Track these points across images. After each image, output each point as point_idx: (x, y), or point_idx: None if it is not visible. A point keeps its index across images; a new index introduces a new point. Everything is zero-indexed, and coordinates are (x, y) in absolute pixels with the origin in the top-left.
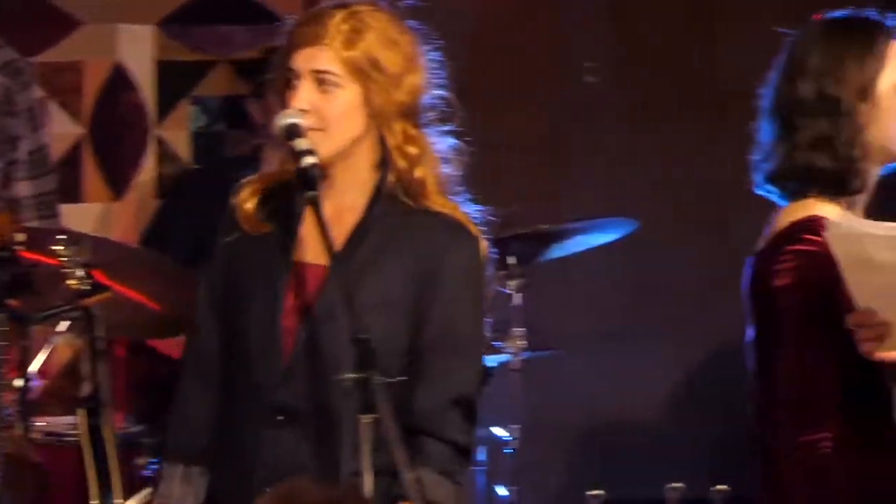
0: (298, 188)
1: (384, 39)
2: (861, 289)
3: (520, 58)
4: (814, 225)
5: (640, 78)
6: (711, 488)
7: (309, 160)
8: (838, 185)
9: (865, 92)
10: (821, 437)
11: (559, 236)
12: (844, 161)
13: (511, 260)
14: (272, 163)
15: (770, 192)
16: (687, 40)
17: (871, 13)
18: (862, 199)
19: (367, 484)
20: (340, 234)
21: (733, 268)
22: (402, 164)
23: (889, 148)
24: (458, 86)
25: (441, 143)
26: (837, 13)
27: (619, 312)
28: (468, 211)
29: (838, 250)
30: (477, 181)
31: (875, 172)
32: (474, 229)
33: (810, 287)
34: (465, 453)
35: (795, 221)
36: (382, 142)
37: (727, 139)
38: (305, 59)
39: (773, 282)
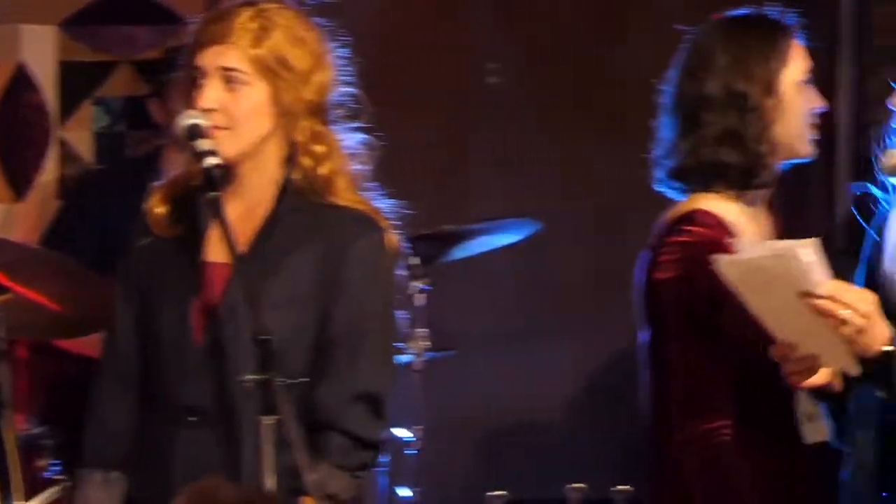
0: (202, 187)
1: (291, 37)
2: (764, 311)
3: (423, 58)
4: (695, 217)
5: (543, 78)
6: (613, 488)
7: (211, 161)
8: (745, 180)
9: (770, 88)
10: (717, 426)
11: (462, 237)
12: (752, 156)
13: (414, 260)
14: (174, 163)
15: (671, 189)
16: (589, 41)
17: (772, 12)
18: (764, 195)
19: (269, 484)
20: (248, 231)
21: (632, 267)
22: (307, 161)
23: (791, 144)
24: (363, 85)
25: (349, 139)
26: (739, 12)
27: (521, 313)
28: (379, 206)
29: (731, 279)
30: (380, 181)
31: (778, 168)
32: (383, 222)
33: (691, 278)
34: (369, 447)
35: (679, 215)
36: (290, 139)
37: (628, 139)
38: (212, 57)
39: (656, 274)
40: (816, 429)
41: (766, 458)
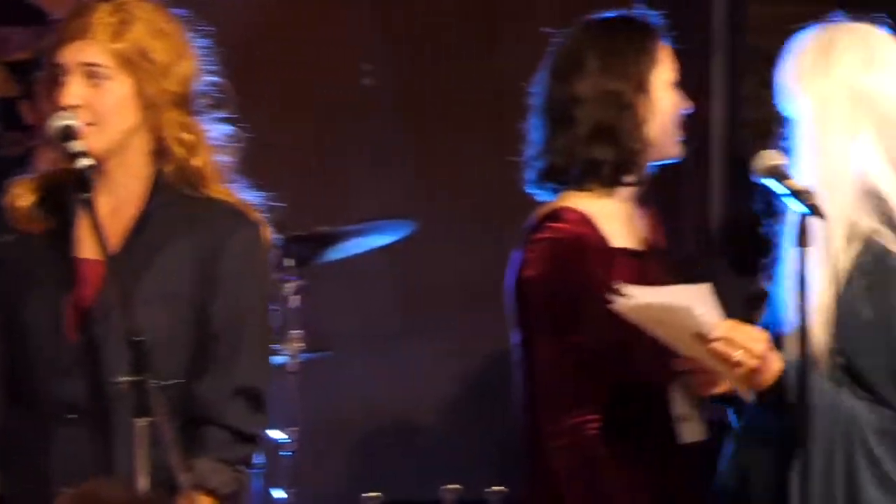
0: (74, 188)
1: (152, 30)
2: (670, 338)
3: (298, 56)
4: (560, 214)
5: (418, 79)
6: (487, 489)
7: (83, 162)
8: (617, 177)
9: (642, 87)
10: (587, 419)
11: (337, 238)
12: (625, 153)
13: (289, 262)
14: (46, 162)
15: (542, 190)
16: (464, 42)
17: (640, 13)
18: (634, 193)
19: (143, 485)
20: (120, 228)
21: (506, 267)
22: (179, 152)
23: (661, 144)
24: (235, 82)
25: (215, 130)
26: (607, 14)
27: (395, 314)
28: (248, 198)
29: (633, 318)
30: (256, 182)
31: (649, 166)
32: (256, 216)
33: (556, 275)
34: (249, 441)
35: (545, 213)
36: (157, 132)
37: (504, 140)
38: (73, 53)
39: (523, 273)
40: (692, 429)
41: (635, 452)
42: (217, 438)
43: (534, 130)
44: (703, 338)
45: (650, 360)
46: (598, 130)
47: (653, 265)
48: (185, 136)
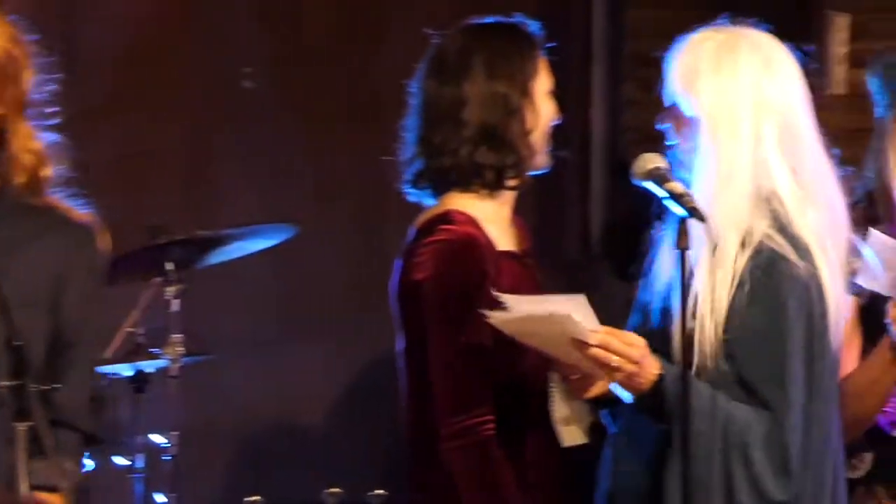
0: None
1: (7, 36)
2: (547, 347)
3: (178, 61)
4: (449, 216)
5: (299, 82)
6: (369, 493)
7: None
8: (500, 180)
9: (527, 93)
10: (483, 420)
11: (217, 242)
12: (511, 157)
13: (169, 266)
14: None
15: (419, 191)
16: (345, 43)
17: (520, 21)
18: (511, 197)
19: (24, 489)
20: None
21: (389, 269)
22: (27, 160)
23: (538, 152)
24: (109, 85)
25: (48, 140)
26: (491, 19)
27: (277, 317)
28: (83, 208)
29: (505, 330)
30: (137, 187)
31: (531, 171)
32: (96, 224)
33: (448, 277)
34: (92, 441)
35: (433, 216)
36: (7, 140)
37: (385, 142)
38: None
39: (413, 276)
40: (572, 433)
41: (525, 456)
42: (64, 439)
43: (411, 131)
44: (581, 345)
45: (539, 360)
46: (484, 132)
47: (533, 268)
48: (32, 144)
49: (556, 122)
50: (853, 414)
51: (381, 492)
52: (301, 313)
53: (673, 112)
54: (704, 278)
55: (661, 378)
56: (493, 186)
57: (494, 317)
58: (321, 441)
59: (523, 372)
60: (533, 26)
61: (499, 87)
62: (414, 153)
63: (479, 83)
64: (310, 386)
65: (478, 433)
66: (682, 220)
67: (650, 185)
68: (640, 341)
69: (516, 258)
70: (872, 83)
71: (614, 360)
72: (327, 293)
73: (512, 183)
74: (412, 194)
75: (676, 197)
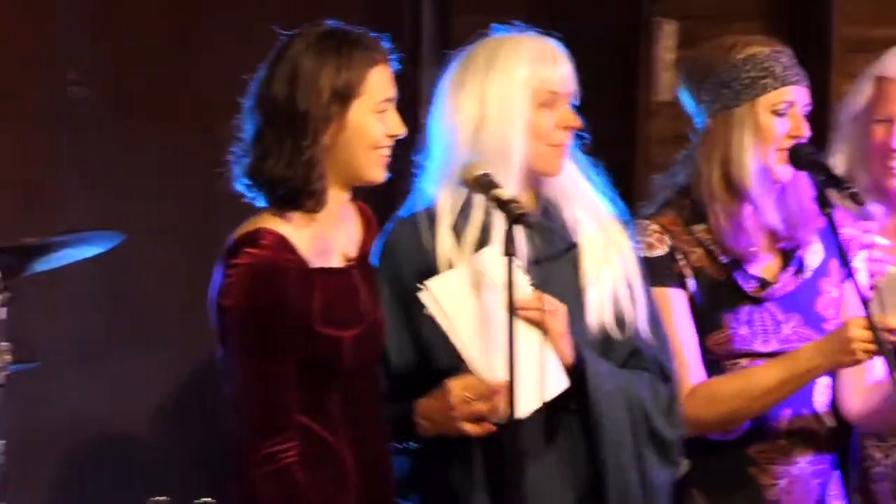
0: None
1: None
2: (463, 337)
3: (7, 69)
4: (256, 237)
5: (127, 87)
6: (196, 501)
7: None
8: (291, 198)
9: (337, 110)
10: (284, 447)
11: (44, 250)
12: (302, 178)
13: None
14: None
15: (253, 195)
16: (174, 50)
17: (364, 32)
18: (335, 212)
19: None
20: None
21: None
22: None
23: (358, 169)
24: None
25: None
26: (333, 26)
27: (106, 325)
28: None
29: (435, 302)
30: None
31: (342, 194)
32: None
33: (247, 308)
34: None
35: (243, 234)
36: None
37: (215, 148)
38: None
39: (221, 299)
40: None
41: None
42: None
43: (245, 133)
44: (515, 306)
45: (356, 380)
46: (280, 151)
47: (357, 280)
48: None
49: (396, 135)
50: None
51: (208, 499)
52: (131, 320)
53: None
54: (602, 270)
55: (578, 349)
56: (290, 207)
57: (427, 291)
58: (149, 448)
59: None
60: (370, 36)
61: (302, 106)
62: (242, 164)
63: (286, 100)
64: (138, 393)
65: (279, 461)
66: (509, 227)
67: (477, 192)
68: (561, 305)
69: (336, 273)
70: (682, 94)
71: (549, 307)
72: (158, 300)
73: (308, 205)
74: (245, 194)
75: (502, 204)
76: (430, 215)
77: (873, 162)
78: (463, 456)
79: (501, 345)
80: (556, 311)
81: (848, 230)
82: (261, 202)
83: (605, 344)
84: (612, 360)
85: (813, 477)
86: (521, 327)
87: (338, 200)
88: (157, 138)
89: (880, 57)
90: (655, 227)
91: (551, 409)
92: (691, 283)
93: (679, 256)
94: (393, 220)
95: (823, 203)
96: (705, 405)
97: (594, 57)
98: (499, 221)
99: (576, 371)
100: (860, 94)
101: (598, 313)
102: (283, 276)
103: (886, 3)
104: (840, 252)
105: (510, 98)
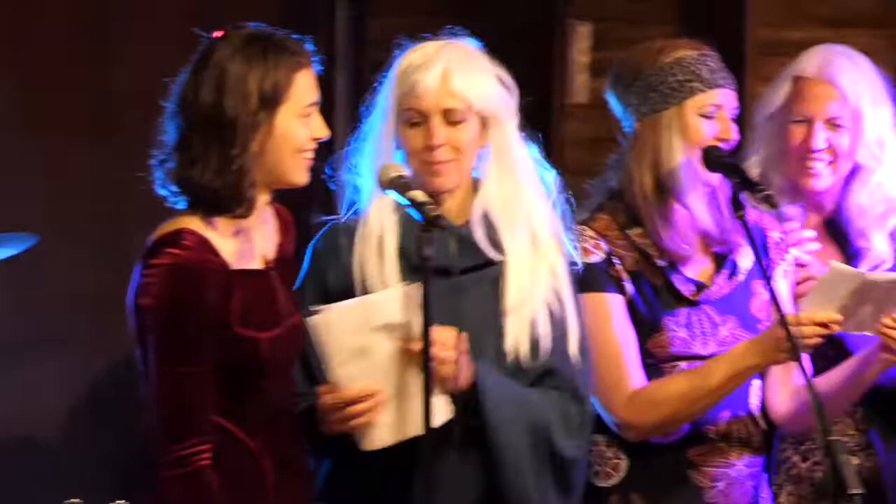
0: None
1: None
2: (344, 373)
3: None
4: (177, 238)
5: (38, 88)
6: (110, 503)
7: None
8: (219, 205)
9: (264, 116)
10: (197, 450)
11: None
12: (228, 182)
13: None
14: None
15: (173, 197)
16: (84, 50)
17: (287, 35)
18: (249, 221)
19: None
20: None
21: (129, 281)
22: None
23: (283, 172)
24: None
25: None
26: (257, 28)
27: (16, 327)
28: None
29: (323, 333)
30: None
31: (264, 197)
32: None
33: (166, 308)
34: None
35: (164, 234)
36: None
37: (126, 150)
38: None
39: (140, 299)
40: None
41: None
42: None
43: (167, 135)
44: (406, 338)
45: (274, 382)
46: (204, 155)
47: (277, 282)
48: None
49: (320, 138)
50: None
51: (122, 502)
52: (41, 322)
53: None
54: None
55: (477, 373)
56: (214, 211)
57: (318, 318)
58: (62, 451)
59: (265, 396)
60: (295, 39)
61: (229, 110)
62: (162, 165)
63: (212, 102)
64: (48, 396)
65: (191, 463)
66: (424, 229)
67: (393, 194)
68: (457, 334)
69: (257, 275)
70: (609, 98)
71: (442, 353)
72: (66, 303)
73: (233, 209)
74: (167, 199)
75: (418, 206)
76: (353, 226)
77: (790, 162)
78: (374, 463)
79: (380, 377)
80: (446, 342)
81: (775, 233)
82: (181, 205)
83: (516, 366)
84: (523, 379)
85: (749, 479)
86: (406, 359)
87: (260, 203)
88: (71, 141)
89: (795, 59)
90: (591, 232)
91: (461, 421)
92: (629, 287)
93: (616, 261)
94: (327, 225)
95: (737, 206)
96: (647, 409)
97: (507, 59)
98: (407, 228)
99: (474, 395)
100: (776, 95)
101: (514, 341)
102: (204, 276)
103: (799, 6)
104: (755, 253)
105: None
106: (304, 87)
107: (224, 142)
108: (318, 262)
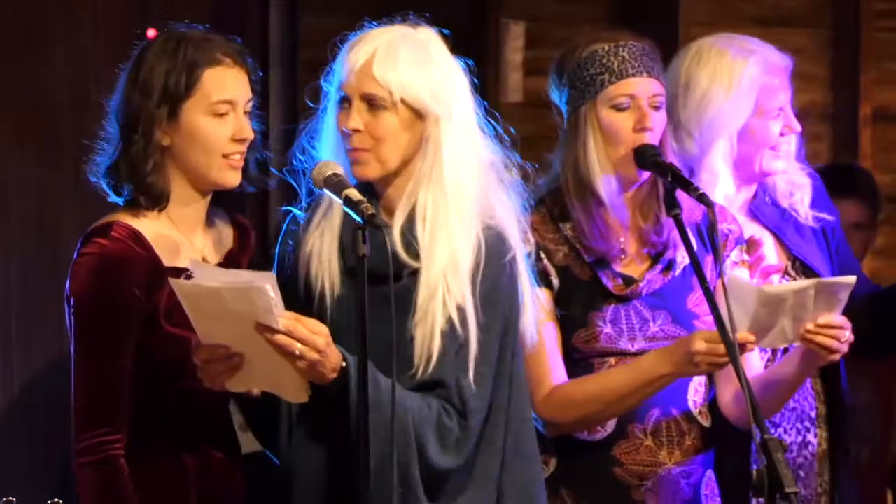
0: None
1: None
2: (209, 334)
3: None
4: (109, 229)
5: None
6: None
7: None
8: (140, 199)
9: (166, 111)
10: (110, 438)
11: None
12: (141, 176)
13: None
14: None
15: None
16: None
17: (209, 34)
18: (196, 212)
19: None
20: None
21: (63, 276)
22: None
23: (206, 174)
24: None
25: None
26: (182, 29)
27: None
28: None
29: (185, 303)
30: None
31: (196, 198)
32: None
33: (89, 296)
34: None
35: (98, 225)
36: None
37: (60, 147)
38: None
39: (68, 287)
40: (250, 439)
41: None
42: None
43: (106, 140)
44: (264, 329)
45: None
46: (124, 150)
47: None
48: None
49: (241, 138)
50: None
51: (57, 500)
52: None
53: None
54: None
55: (344, 369)
56: (138, 206)
57: (178, 285)
58: None
59: (187, 388)
60: (212, 38)
61: (135, 105)
62: (101, 155)
63: (127, 98)
64: None
65: (103, 451)
66: (359, 228)
67: (328, 192)
68: (324, 329)
69: (184, 273)
70: (551, 94)
71: (298, 347)
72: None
73: (147, 204)
74: (106, 192)
75: (353, 204)
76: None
77: (760, 152)
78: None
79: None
80: (307, 338)
81: (723, 226)
82: (117, 200)
83: (412, 376)
84: (411, 384)
85: (681, 477)
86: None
87: (192, 203)
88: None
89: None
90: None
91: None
92: (555, 282)
93: (542, 255)
94: (288, 217)
95: (671, 204)
96: (561, 408)
97: None
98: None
99: (339, 391)
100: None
101: (418, 350)
102: (131, 267)
103: (730, 4)
104: (689, 253)
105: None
106: (213, 83)
107: (133, 137)
108: (282, 258)
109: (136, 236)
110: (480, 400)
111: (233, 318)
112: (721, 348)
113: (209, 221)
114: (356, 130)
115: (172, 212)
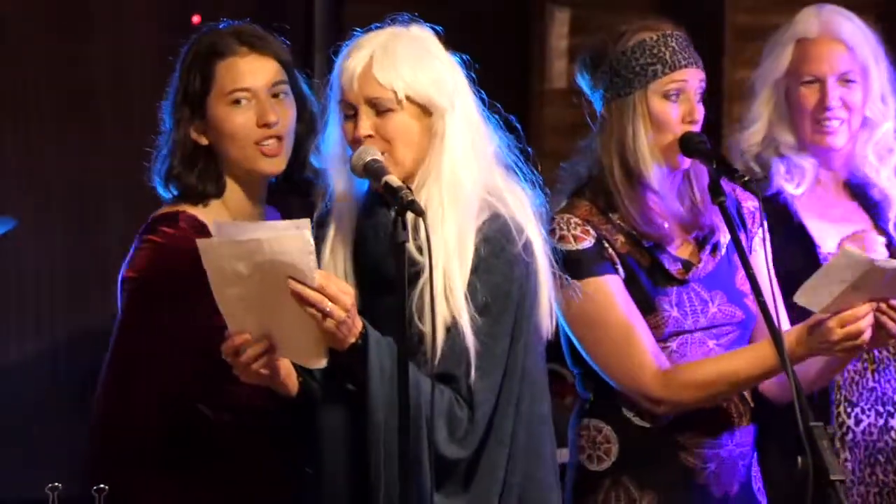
0: None
1: None
2: (233, 299)
3: None
4: (175, 219)
5: (13, 74)
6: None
7: None
8: (190, 195)
9: (196, 110)
10: (126, 424)
11: None
12: (185, 172)
13: None
14: None
15: (165, 189)
16: (54, 40)
17: (211, 27)
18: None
19: None
20: None
21: (110, 263)
22: None
23: (243, 163)
24: None
25: None
26: (213, 28)
27: None
28: None
29: (210, 261)
30: None
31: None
32: None
33: (153, 275)
34: None
35: (164, 213)
36: None
37: (105, 137)
38: None
39: (126, 271)
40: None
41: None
42: None
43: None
44: (297, 282)
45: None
46: (172, 145)
47: None
48: None
49: (266, 123)
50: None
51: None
52: (14, 310)
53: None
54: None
55: (364, 335)
56: (199, 199)
57: (203, 248)
58: (43, 435)
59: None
60: (225, 30)
61: (171, 104)
62: (159, 154)
63: (165, 110)
64: (27, 379)
65: (122, 442)
66: (399, 214)
67: (368, 179)
68: (350, 290)
69: None
70: (580, 83)
71: (329, 305)
72: (41, 289)
73: (196, 198)
74: (159, 190)
75: (392, 191)
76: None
77: (804, 124)
78: None
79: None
80: (337, 297)
81: (749, 203)
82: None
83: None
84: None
85: (739, 459)
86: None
87: (243, 195)
88: (43, 125)
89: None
90: (576, 219)
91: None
92: (621, 270)
93: (606, 245)
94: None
95: (716, 192)
96: (683, 389)
97: (486, 45)
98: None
99: (357, 358)
100: (779, 61)
101: (426, 345)
102: (191, 259)
103: None
104: (735, 240)
105: None
106: (226, 74)
107: (173, 136)
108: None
109: (203, 228)
110: (486, 393)
111: (261, 277)
112: (852, 328)
113: (267, 214)
114: (368, 136)
115: (230, 203)
